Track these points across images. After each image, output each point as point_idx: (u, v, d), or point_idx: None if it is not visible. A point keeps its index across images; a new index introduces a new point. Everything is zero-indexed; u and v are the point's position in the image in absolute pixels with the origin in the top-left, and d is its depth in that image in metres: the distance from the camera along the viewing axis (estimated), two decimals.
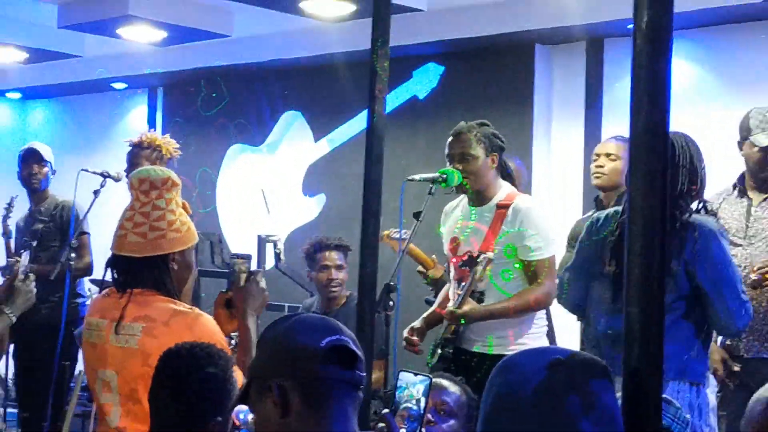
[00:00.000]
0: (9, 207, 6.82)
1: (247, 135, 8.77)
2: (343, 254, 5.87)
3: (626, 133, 1.85)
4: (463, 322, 4.70)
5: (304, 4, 6.64)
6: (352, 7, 6.49)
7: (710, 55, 6.66)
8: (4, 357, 5.07)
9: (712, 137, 5.66)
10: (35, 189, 6.71)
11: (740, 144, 4.85)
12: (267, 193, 8.68)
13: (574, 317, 4.94)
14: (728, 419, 4.60)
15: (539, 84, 7.24)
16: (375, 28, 3.53)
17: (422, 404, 3.00)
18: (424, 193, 4.66)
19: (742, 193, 4.84)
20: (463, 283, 4.74)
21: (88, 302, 6.39)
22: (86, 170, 6.01)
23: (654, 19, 1.77)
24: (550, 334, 5.15)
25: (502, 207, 4.76)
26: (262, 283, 3.30)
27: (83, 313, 6.15)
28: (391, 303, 4.38)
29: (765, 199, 4.81)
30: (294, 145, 8.52)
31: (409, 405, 3.11)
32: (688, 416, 2.83)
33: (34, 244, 6.56)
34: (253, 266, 3.37)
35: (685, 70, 6.59)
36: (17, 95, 10.30)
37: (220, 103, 8.91)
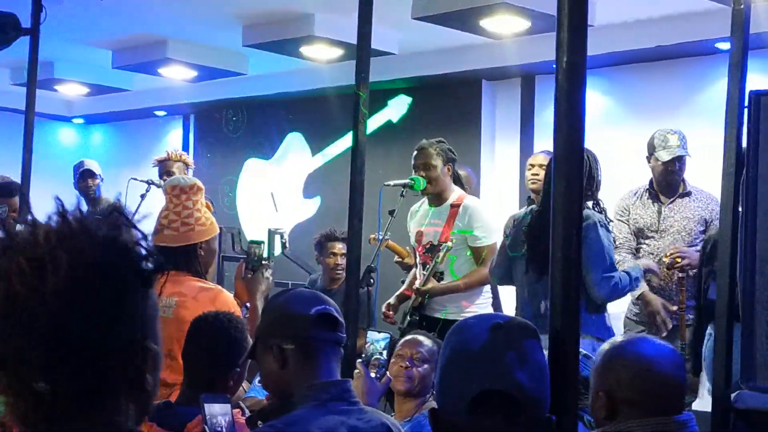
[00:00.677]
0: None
1: (260, 151, 8.74)
2: (345, 245, 5.81)
3: (551, 148, 1.84)
4: (427, 297, 4.72)
5: (304, 50, 6.65)
6: (340, 52, 6.52)
7: (618, 88, 6.66)
8: None
9: (618, 153, 5.86)
10: (92, 198, 6.57)
11: (648, 158, 4.84)
12: (275, 196, 8.65)
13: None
14: None
15: (485, 111, 7.24)
16: (358, 67, 3.53)
17: (385, 355, 3.01)
18: (397, 195, 4.68)
19: (654, 197, 4.84)
20: (427, 266, 4.75)
21: None
22: (135, 179, 5.94)
23: (572, 60, 1.76)
24: (496, 304, 5.16)
25: (455, 206, 4.76)
26: (267, 274, 3.29)
27: None
28: (371, 281, 4.38)
29: (672, 201, 4.82)
30: (296, 159, 8.49)
31: (379, 357, 3.11)
32: None
33: None
34: (264, 252, 3.37)
35: (597, 100, 6.60)
36: (81, 121, 10.21)
37: (239, 126, 8.88)
